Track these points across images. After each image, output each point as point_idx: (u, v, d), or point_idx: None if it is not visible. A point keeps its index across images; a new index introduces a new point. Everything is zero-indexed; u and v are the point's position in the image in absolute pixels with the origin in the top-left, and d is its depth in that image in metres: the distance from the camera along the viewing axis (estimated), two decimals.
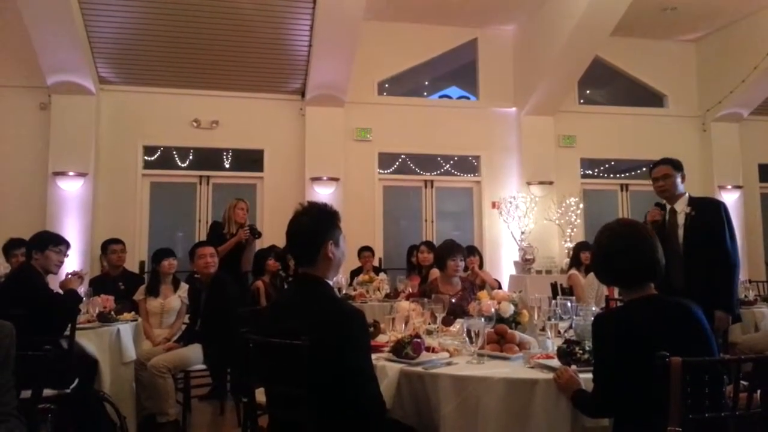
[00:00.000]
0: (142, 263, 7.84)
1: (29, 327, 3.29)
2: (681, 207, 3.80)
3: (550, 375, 2.30)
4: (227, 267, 5.17)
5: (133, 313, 4.65)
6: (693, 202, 3.80)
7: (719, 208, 3.76)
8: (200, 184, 8.43)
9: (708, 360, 1.98)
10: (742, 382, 2.00)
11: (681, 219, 3.76)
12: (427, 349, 2.71)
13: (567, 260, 7.56)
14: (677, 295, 2.30)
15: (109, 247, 5.60)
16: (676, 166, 3.87)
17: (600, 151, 9.47)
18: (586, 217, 9.04)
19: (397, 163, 8.96)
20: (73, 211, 7.54)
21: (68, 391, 3.51)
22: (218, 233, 5.73)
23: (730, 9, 8.61)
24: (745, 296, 5.89)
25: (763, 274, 9.31)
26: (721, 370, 2.03)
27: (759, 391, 2.01)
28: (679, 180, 3.83)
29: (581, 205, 8.93)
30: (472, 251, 5.94)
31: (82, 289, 4.23)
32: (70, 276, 4.07)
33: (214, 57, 7.92)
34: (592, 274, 5.39)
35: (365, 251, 7.10)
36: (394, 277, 6.31)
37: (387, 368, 2.51)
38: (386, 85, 9.18)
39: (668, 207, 3.86)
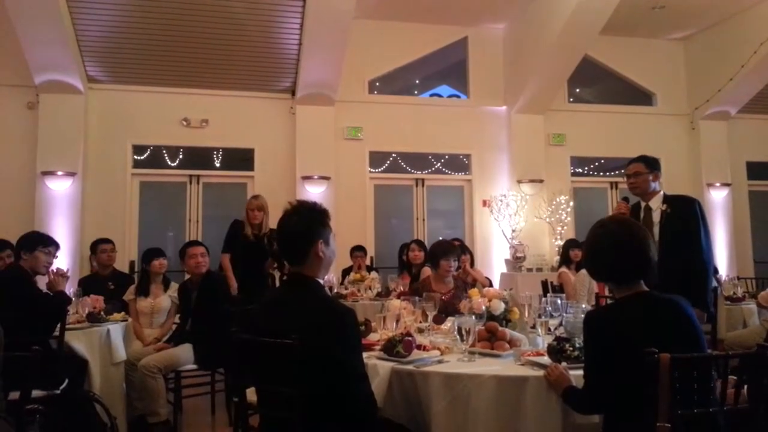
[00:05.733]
0: (132, 263, 7.79)
1: (18, 328, 3.27)
2: (656, 204, 3.82)
3: (541, 372, 2.31)
4: (251, 270, 5.24)
5: (123, 313, 4.63)
6: (668, 199, 3.83)
7: (694, 205, 3.78)
8: (190, 183, 8.40)
9: (696, 356, 1.99)
10: (730, 377, 2.02)
11: (656, 216, 3.78)
12: (419, 347, 2.71)
13: (557, 258, 7.60)
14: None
15: (99, 247, 5.56)
16: (650, 164, 3.88)
17: (590, 150, 9.51)
18: (576, 215, 9.09)
19: (388, 162, 8.96)
20: (61, 210, 7.48)
21: (58, 392, 3.49)
22: (236, 233, 5.48)
23: (718, 8, 8.67)
24: (734, 293, 5.94)
25: (752, 271, 9.41)
26: (709, 366, 2.04)
27: (746, 387, 2.03)
28: (651, 178, 3.84)
29: (571, 203, 8.97)
30: (464, 250, 5.95)
31: (71, 290, 4.20)
32: (54, 276, 4.01)
33: (203, 55, 7.88)
34: (583, 271, 5.41)
35: (357, 251, 7.08)
36: (386, 276, 6.31)
37: (378, 367, 2.51)
38: (377, 84, 9.17)
39: (643, 204, 3.89)
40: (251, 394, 2.42)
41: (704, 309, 3.62)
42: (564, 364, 2.34)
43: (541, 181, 8.93)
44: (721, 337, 4.80)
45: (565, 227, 8.78)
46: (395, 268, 7.08)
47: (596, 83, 10.08)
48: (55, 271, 4.05)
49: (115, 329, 4.18)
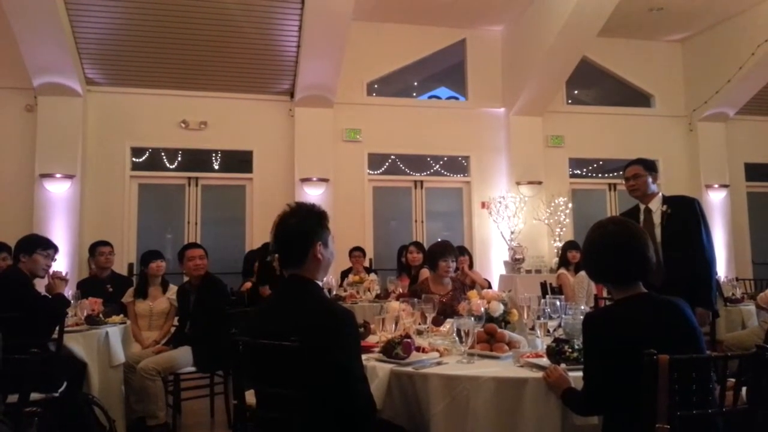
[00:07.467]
0: (130, 265, 7.78)
1: (16, 330, 3.27)
2: (656, 206, 3.85)
3: (540, 374, 2.31)
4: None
5: (121, 315, 4.62)
6: (667, 200, 3.86)
7: (694, 205, 3.81)
8: (189, 185, 8.39)
9: (695, 357, 1.99)
10: (729, 379, 2.02)
11: (657, 218, 3.81)
12: (417, 349, 2.71)
13: (556, 260, 7.60)
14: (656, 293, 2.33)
15: (97, 249, 5.56)
16: (648, 166, 3.92)
17: (588, 151, 9.52)
18: (575, 217, 9.09)
19: (387, 164, 8.96)
20: (60, 213, 7.47)
21: (56, 394, 3.49)
22: None
23: (716, 9, 8.69)
24: (733, 294, 5.94)
25: (750, 273, 9.41)
26: (708, 367, 2.04)
27: (745, 388, 2.03)
28: (650, 180, 3.87)
29: (570, 205, 8.98)
30: (462, 251, 5.96)
31: (69, 292, 4.19)
32: (53, 279, 4.01)
33: (202, 58, 7.88)
34: (582, 273, 5.42)
35: (356, 251, 7.09)
36: (385, 278, 6.31)
37: (377, 369, 2.51)
38: (375, 86, 9.18)
39: (642, 207, 3.91)
40: (250, 397, 2.42)
41: (708, 307, 3.64)
42: (563, 365, 2.34)
43: (539, 183, 8.93)
44: (720, 338, 4.81)
45: (564, 229, 8.78)
46: (394, 270, 7.09)
47: (594, 85, 10.10)
48: (53, 273, 4.04)
49: (114, 332, 4.17)
